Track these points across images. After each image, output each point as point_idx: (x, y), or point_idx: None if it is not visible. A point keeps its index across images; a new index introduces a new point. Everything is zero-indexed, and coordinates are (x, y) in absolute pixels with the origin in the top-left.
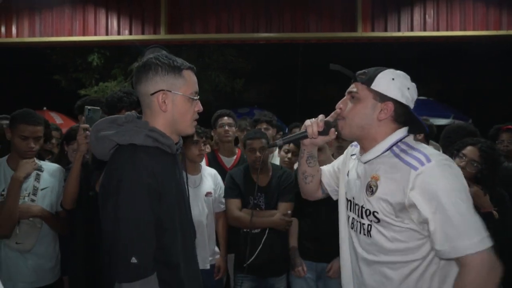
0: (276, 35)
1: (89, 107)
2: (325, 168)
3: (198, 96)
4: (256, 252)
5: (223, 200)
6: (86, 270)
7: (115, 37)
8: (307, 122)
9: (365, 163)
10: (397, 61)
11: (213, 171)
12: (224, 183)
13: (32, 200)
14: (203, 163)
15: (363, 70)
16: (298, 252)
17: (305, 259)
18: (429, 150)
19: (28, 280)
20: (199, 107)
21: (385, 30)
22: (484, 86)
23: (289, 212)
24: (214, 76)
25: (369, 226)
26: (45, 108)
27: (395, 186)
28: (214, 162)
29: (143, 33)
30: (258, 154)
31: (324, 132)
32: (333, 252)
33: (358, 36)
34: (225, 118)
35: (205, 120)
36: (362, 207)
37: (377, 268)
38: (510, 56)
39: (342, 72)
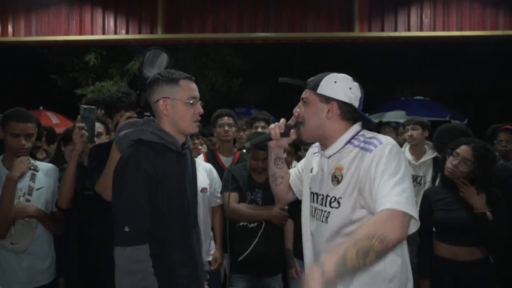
0: (273, 35)
1: (84, 106)
2: (291, 171)
3: (196, 101)
4: (252, 246)
5: (219, 195)
6: (82, 270)
7: (111, 37)
8: (271, 125)
9: (328, 157)
10: (395, 61)
11: (208, 165)
12: (221, 178)
13: (27, 200)
14: (201, 158)
15: (312, 78)
16: (292, 254)
17: (302, 259)
18: (382, 136)
19: (23, 281)
20: (199, 109)
21: (382, 30)
22: (482, 86)
23: (286, 207)
24: (211, 76)
25: (328, 213)
26: (41, 108)
27: (360, 171)
28: (212, 162)
29: (140, 33)
30: (260, 164)
31: (285, 134)
32: None
33: (355, 36)
34: (225, 118)
35: (203, 120)
36: (327, 195)
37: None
38: (507, 56)
39: (292, 83)
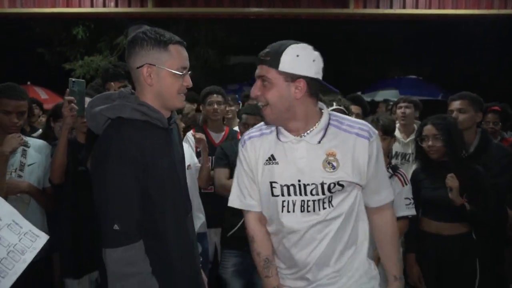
0: (267, 10)
1: (73, 79)
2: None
3: (187, 71)
4: (242, 220)
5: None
6: (76, 246)
7: (100, 9)
8: None
9: (318, 142)
10: (389, 40)
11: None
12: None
13: (19, 176)
14: (190, 133)
15: (266, 50)
16: None
17: None
18: (357, 120)
19: None
20: (188, 82)
21: (377, 7)
22: (477, 66)
23: None
24: (203, 52)
25: (330, 197)
26: (29, 83)
27: (355, 154)
28: None
29: (129, 6)
30: None
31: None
32: None
33: (350, 12)
34: (214, 95)
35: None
36: (323, 183)
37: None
38: (502, 36)
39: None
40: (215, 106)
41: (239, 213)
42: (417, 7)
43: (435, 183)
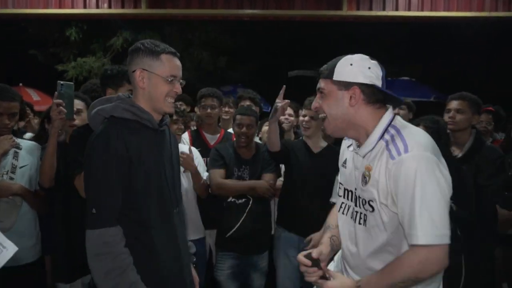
0: (261, 12)
1: (62, 82)
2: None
3: (177, 80)
4: (240, 222)
5: (205, 173)
6: (67, 248)
7: (93, 11)
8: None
9: (363, 156)
10: (382, 42)
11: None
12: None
13: (11, 178)
14: (186, 136)
15: (324, 66)
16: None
17: (290, 231)
18: (413, 137)
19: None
20: (177, 89)
21: (370, 9)
22: (469, 68)
23: (272, 182)
24: (197, 54)
25: (365, 216)
26: (21, 84)
27: (380, 174)
28: (197, 139)
29: (123, 7)
30: (244, 130)
31: None
32: (317, 227)
33: (343, 14)
34: (209, 99)
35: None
36: (359, 196)
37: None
38: (494, 38)
39: (304, 75)
40: (209, 110)
41: (236, 215)
42: (409, 9)
43: None
